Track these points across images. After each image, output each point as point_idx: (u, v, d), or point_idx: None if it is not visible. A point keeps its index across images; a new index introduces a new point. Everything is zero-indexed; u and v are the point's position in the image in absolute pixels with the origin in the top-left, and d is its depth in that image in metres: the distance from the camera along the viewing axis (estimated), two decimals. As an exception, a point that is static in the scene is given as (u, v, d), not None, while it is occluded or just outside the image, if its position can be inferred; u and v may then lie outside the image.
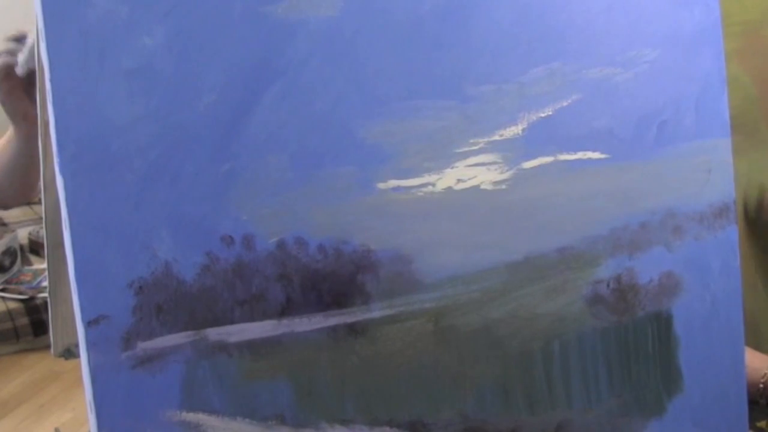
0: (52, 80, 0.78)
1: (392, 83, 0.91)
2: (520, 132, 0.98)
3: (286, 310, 0.87)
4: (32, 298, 3.90)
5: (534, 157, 0.99)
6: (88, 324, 0.79)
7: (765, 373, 1.22)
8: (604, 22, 1.04)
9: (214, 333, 0.84)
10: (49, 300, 1.08)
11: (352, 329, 0.91)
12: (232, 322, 0.85)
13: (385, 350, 0.92)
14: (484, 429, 0.98)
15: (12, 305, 3.89)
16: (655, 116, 1.07)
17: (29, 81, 1.14)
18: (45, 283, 3.83)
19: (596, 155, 1.03)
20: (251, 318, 0.86)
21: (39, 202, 1.03)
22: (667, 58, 1.08)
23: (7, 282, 4.06)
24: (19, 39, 1.16)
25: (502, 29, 0.97)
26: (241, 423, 0.86)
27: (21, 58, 1.14)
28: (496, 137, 0.97)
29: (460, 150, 0.95)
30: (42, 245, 1.06)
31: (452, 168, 0.95)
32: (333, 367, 0.90)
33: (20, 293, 3.94)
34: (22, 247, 4.27)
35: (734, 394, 1.17)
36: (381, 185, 0.91)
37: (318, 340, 0.89)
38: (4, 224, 4.39)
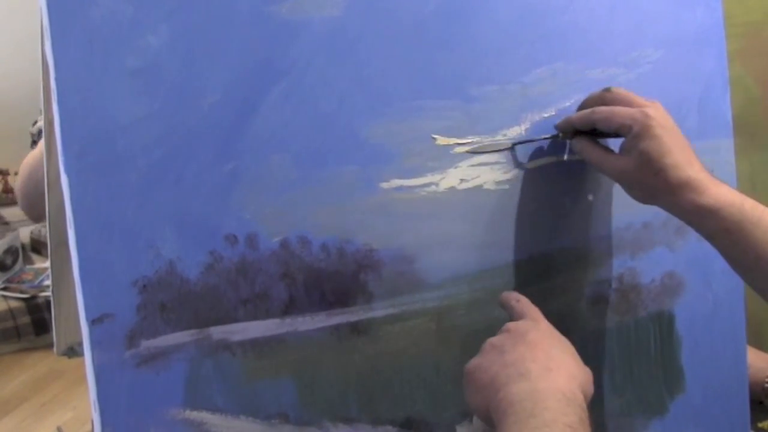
0: (56, 79, 0.78)
1: (395, 83, 0.91)
2: (522, 132, 0.99)
3: (290, 308, 0.88)
4: (34, 297, 3.91)
5: (537, 157, 1.00)
6: (93, 322, 0.79)
7: None
8: (606, 23, 1.04)
9: (217, 331, 0.84)
10: (52, 299, 1.08)
11: (355, 328, 0.91)
12: (235, 320, 0.85)
13: (387, 349, 0.93)
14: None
15: (13, 304, 3.89)
16: (658, 117, 1.07)
17: None
18: (46, 282, 3.84)
19: (599, 155, 1.03)
20: (255, 317, 0.86)
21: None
22: (669, 59, 1.08)
23: (8, 281, 4.06)
24: None
25: (505, 30, 0.98)
26: (244, 421, 0.86)
27: None
28: (499, 137, 0.97)
29: (463, 150, 0.95)
30: (44, 244, 1.07)
31: (455, 168, 0.95)
32: (336, 365, 0.90)
33: (22, 292, 3.94)
34: (23, 246, 4.27)
35: (736, 394, 1.17)
36: (384, 185, 0.91)
37: (321, 339, 0.89)
38: (6, 223, 4.39)
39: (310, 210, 0.88)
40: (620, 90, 0.97)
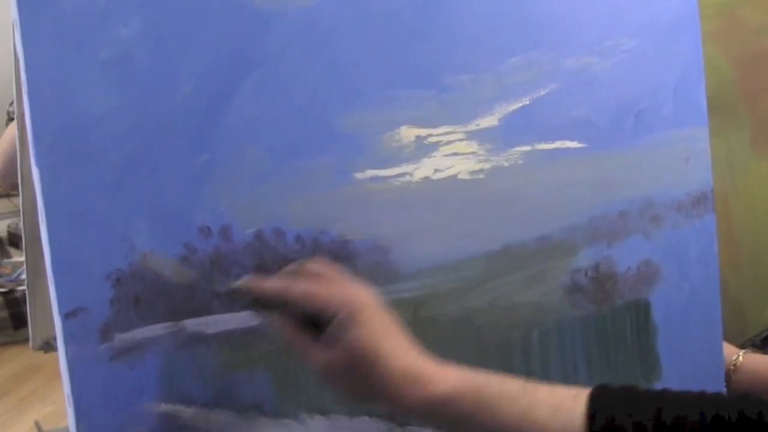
0: (27, 71, 0.77)
1: (370, 73, 0.91)
2: (497, 122, 0.98)
3: (265, 300, 0.87)
4: (12, 291, 3.87)
5: (511, 146, 1.00)
6: (66, 316, 0.78)
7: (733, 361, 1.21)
8: (582, 12, 1.04)
9: (192, 324, 0.84)
10: (27, 293, 1.08)
11: (331, 320, 0.90)
12: (210, 313, 0.85)
13: (364, 340, 0.92)
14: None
15: (-9, 298, 3.86)
16: (633, 105, 1.07)
17: None
18: (24, 276, 3.81)
19: (574, 144, 1.03)
20: (229, 309, 0.86)
21: (18, 194, 1.03)
22: (645, 47, 1.08)
23: (-14, 275, 4.03)
24: None
25: (480, 19, 0.97)
26: (220, 414, 0.86)
27: None
28: (473, 127, 0.97)
29: (438, 140, 0.95)
30: (21, 238, 1.06)
31: (429, 158, 0.95)
32: (312, 357, 0.90)
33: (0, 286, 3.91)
34: (1, 240, 4.24)
35: (712, 382, 1.17)
36: (358, 175, 0.91)
37: (297, 331, 0.89)
38: (-17, 217, 4.35)
39: (285, 201, 0.88)
40: (318, 264, 0.84)
